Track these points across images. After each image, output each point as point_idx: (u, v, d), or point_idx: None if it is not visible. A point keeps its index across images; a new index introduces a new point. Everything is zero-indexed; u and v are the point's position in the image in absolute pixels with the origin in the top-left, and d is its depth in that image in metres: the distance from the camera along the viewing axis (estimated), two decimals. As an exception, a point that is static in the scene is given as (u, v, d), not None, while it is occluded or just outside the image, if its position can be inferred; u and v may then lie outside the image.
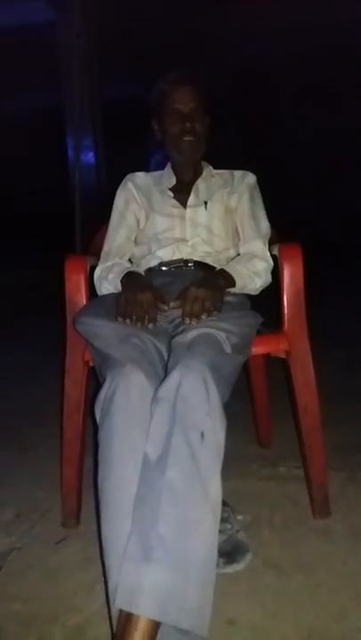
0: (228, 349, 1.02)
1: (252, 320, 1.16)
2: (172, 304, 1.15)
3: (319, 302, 1.29)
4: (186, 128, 1.36)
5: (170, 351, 1.12)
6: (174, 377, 0.94)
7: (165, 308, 1.15)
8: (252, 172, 1.52)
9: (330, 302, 3.73)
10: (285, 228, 1.62)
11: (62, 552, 1.23)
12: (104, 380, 1.01)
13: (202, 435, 0.89)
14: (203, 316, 1.08)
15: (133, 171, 1.56)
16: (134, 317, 1.10)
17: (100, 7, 5.01)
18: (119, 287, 1.28)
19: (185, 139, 1.38)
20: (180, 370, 0.94)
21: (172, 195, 1.45)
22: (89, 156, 5.60)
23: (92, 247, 1.55)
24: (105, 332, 1.08)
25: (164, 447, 0.89)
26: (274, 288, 1.36)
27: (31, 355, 2.90)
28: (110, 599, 0.85)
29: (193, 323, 1.07)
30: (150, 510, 0.85)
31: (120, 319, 1.10)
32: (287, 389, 1.35)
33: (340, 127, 7.76)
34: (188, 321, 1.08)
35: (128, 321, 1.09)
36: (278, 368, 1.40)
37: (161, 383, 0.97)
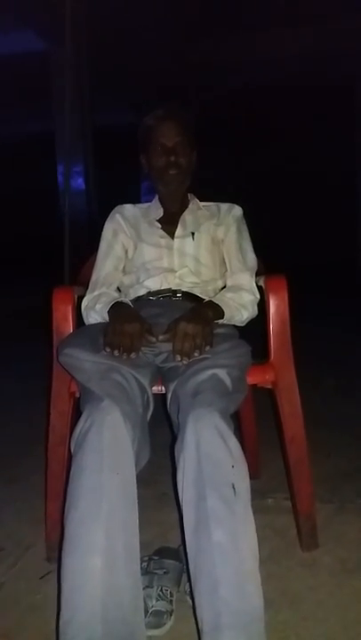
0: (230, 386, 1.04)
1: (244, 349, 1.18)
2: (161, 337, 1.16)
3: (309, 331, 1.31)
4: (170, 162, 1.40)
5: (153, 382, 1.14)
6: (190, 434, 0.96)
7: (153, 340, 1.16)
8: (241, 201, 1.56)
9: (319, 331, 3.77)
10: (273, 256, 1.65)
11: (47, 586, 1.21)
12: (81, 414, 1.01)
13: (233, 487, 0.93)
14: (195, 354, 1.09)
15: (125, 196, 1.58)
16: (121, 348, 1.10)
17: (92, 36, 5.13)
18: (106, 317, 1.29)
19: (169, 172, 1.41)
20: (194, 424, 0.96)
21: (159, 226, 1.47)
22: (79, 182, 5.67)
23: (80, 277, 1.56)
24: (87, 366, 1.08)
25: (201, 510, 0.92)
26: (260, 319, 1.38)
27: (18, 383, 2.87)
28: (60, 632, 0.85)
29: (184, 362, 1.09)
30: (208, 577, 0.88)
31: (107, 349, 1.10)
32: (275, 419, 1.35)
33: (331, 154, 7.97)
34: (179, 358, 1.09)
35: (116, 352, 1.10)
36: (266, 398, 1.40)
37: (177, 440, 0.99)
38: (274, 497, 1.55)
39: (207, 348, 1.10)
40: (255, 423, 1.63)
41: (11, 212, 8.77)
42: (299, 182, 8.46)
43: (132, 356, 1.10)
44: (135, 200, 1.61)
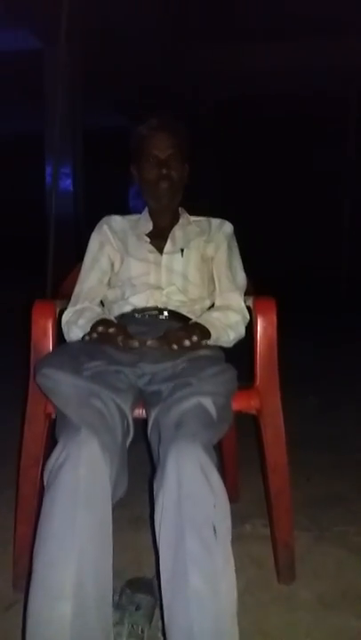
0: (215, 416, 1.00)
1: (231, 374, 1.14)
2: (149, 342, 1.15)
3: (291, 345, 1.29)
4: (162, 174, 1.36)
5: (134, 406, 1.10)
6: (171, 470, 0.91)
7: (136, 344, 1.14)
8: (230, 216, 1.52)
9: (301, 346, 3.76)
10: (259, 271, 1.62)
11: (13, 618, 1.14)
12: (57, 443, 0.96)
13: (214, 529, 0.88)
14: (185, 342, 1.16)
15: (112, 199, 1.54)
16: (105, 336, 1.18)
17: (87, 38, 5.08)
18: (89, 334, 1.25)
19: (161, 185, 1.37)
20: (175, 459, 0.91)
21: (148, 240, 1.43)
22: (67, 184, 5.59)
23: (62, 289, 1.51)
24: (65, 389, 1.03)
25: (179, 553, 0.87)
26: (245, 339, 1.34)
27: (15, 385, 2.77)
28: None
29: (174, 347, 1.15)
30: (183, 623, 0.84)
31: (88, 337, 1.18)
32: (256, 440, 1.31)
33: (320, 169, 8.02)
34: (175, 347, 1.15)
35: (94, 335, 1.18)
36: (247, 417, 1.36)
37: (157, 474, 0.95)
38: (252, 523, 1.51)
39: (194, 338, 1.15)
40: (236, 444, 1.59)
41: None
42: (286, 194, 8.49)
43: (120, 339, 1.17)
44: (122, 203, 1.57)
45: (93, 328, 1.22)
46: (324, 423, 2.36)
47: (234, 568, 0.90)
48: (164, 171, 1.36)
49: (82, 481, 0.88)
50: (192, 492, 0.89)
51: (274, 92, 7.45)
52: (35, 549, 0.88)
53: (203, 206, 1.59)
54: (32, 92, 5.84)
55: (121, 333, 1.18)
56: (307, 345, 3.92)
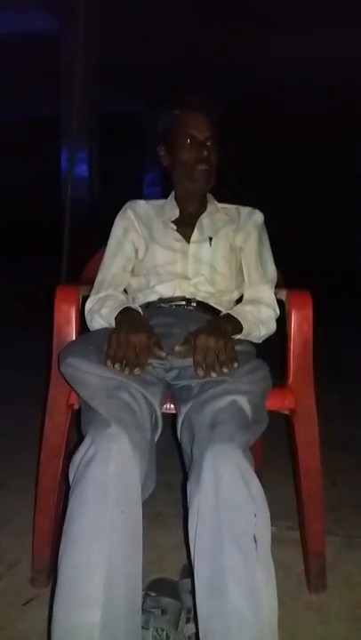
0: (250, 416, 0.93)
1: (265, 372, 1.07)
2: (177, 348, 1.05)
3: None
4: (202, 157, 1.28)
5: (163, 401, 1.04)
6: (207, 474, 0.84)
7: (163, 354, 1.05)
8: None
9: (318, 339, 3.65)
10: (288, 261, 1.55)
11: (30, 615, 1.10)
12: (84, 437, 0.90)
13: (254, 539, 0.82)
14: (224, 370, 0.98)
15: (127, 185, 1.47)
16: (123, 362, 0.99)
17: (102, 21, 4.98)
18: (113, 323, 1.18)
19: (199, 167, 1.29)
20: (212, 462, 0.84)
21: (174, 227, 1.36)
22: (82, 169, 5.52)
23: (83, 275, 1.45)
24: (92, 380, 0.96)
25: (217, 565, 0.80)
26: (275, 334, 1.27)
27: (8, 373, 2.74)
28: None
29: (213, 375, 0.98)
30: (223, 637, 0.77)
31: (109, 363, 0.99)
32: (278, 438, 1.24)
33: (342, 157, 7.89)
34: (201, 373, 0.99)
35: (117, 366, 0.99)
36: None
37: (190, 477, 0.88)
38: (277, 525, 1.44)
39: (235, 364, 0.99)
40: (262, 442, 1.53)
41: (12, 195, 8.64)
42: (305, 185, 8.38)
43: (136, 372, 0.99)
44: (137, 189, 1.49)
45: (118, 321, 1.15)
46: (348, 422, 2.28)
47: (274, 579, 0.83)
48: (205, 153, 1.28)
49: (111, 478, 0.82)
50: (231, 499, 0.83)
51: (298, 82, 7.33)
52: (61, 550, 0.83)
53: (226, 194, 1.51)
54: (48, 75, 5.76)
55: (140, 351, 1.03)
56: (330, 336, 3.82)
